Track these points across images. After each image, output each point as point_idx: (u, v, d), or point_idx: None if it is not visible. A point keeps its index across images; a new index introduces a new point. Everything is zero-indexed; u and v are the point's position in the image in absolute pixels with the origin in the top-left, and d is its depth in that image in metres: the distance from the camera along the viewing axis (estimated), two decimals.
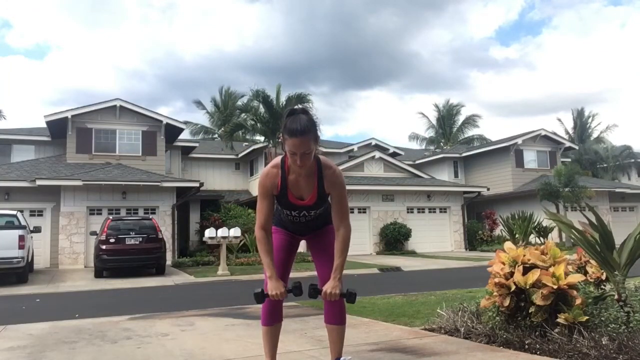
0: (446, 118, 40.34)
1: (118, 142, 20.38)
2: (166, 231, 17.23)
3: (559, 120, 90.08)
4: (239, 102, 30.98)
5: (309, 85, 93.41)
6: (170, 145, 22.41)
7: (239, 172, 26.83)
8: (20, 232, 11.78)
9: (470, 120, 40.01)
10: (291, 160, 2.76)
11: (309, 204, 2.93)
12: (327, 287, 2.79)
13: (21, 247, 11.57)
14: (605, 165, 34.07)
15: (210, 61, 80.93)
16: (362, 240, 20.99)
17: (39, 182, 16.48)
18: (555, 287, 3.60)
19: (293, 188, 2.90)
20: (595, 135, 39.67)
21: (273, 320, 3.02)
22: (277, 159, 2.93)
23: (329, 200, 3.06)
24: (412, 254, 20.52)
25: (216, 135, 38.01)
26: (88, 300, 9.33)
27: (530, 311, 3.68)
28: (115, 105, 20.25)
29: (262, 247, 2.87)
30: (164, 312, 6.59)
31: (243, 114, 21.37)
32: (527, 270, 3.80)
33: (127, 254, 13.31)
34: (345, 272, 3.02)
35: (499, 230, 21.61)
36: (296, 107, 2.90)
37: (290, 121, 2.70)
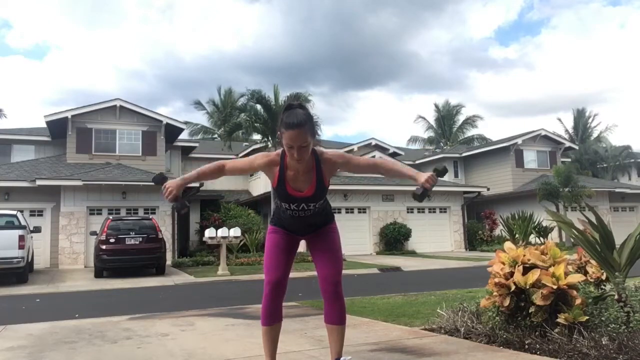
0: (446, 118, 40.37)
1: (118, 142, 20.38)
2: (166, 231, 17.23)
3: (559, 119, 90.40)
4: (238, 103, 30.98)
5: (308, 85, 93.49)
6: (170, 145, 22.41)
7: None
8: (20, 232, 11.79)
9: (470, 121, 40.05)
10: (289, 154, 2.77)
11: (307, 195, 2.92)
12: (422, 179, 2.79)
13: (21, 247, 11.58)
14: (605, 165, 34.09)
15: (210, 61, 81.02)
16: (362, 240, 21.00)
17: (39, 182, 16.48)
18: (555, 287, 3.60)
19: (291, 179, 2.90)
20: (595, 135, 39.69)
21: (273, 320, 3.02)
22: (279, 152, 2.94)
23: (326, 198, 3.07)
24: (412, 254, 20.53)
25: (216, 136, 38.01)
26: (88, 300, 9.33)
27: (530, 311, 3.68)
28: (115, 105, 20.25)
29: (204, 168, 2.95)
30: (164, 312, 6.58)
31: (242, 114, 21.34)
32: (527, 270, 3.79)
33: (127, 254, 13.31)
34: (345, 272, 3.03)
35: (499, 230, 21.62)
36: (293, 102, 2.91)
37: (287, 115, 2.74)
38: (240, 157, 26.00)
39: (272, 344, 3.05)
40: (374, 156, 23.18)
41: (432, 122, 41.17)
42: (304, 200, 2.93)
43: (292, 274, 3.19)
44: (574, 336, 3.40)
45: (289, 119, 2.70)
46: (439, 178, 2.84)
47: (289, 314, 5.60)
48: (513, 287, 3.76)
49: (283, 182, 2.89)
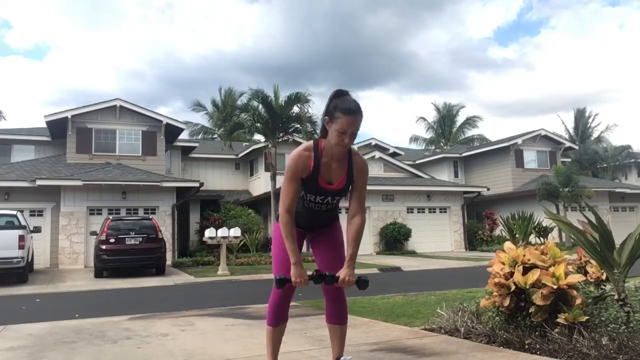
0: (446, 118, 40.40)
1: (118, 142, 20.38)
2: (166, 231, 17.23)
3: (559, 117, 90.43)
4: (239, 102, 30.96)
5: (308, 85, 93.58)
6: (170, 145, 22.41)
7: (239, 172, 26.83)
8: (20, 232, 11.78)
9: (470, 121, 40.08)
10: (338, 139, 2.75)
11: (337, 189, 2.92)
12: (343, 275, 2.80)
13: (21, 247, 11.57)
14: (605, 165, 34.09)
15: (209, 61, 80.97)
16: (362, 240, 20.95)
17: (39, 182, 16.48)
18: (555, 287, 3.60)
19: (324, 171, 2.87)
20: (595, 135, 39.68)
21: (279, 321, 3.00)
22: (309, 143, 2.90)
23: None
24: (412, 254, 20.52)
25: (216, 136, 37.99)
26: (88, 300, 9.33)
27: (530, 311, 3.68)
28: (115, 105, 20.25)
29: (287, 231, 2.81)
30: (164, 312, 6.59)
31: (243, 114, 21.33)
32: (527, 270, 3.79)
33: (127, 254, 13.31)
34: None
35: (499, 230, 21.62)
36: (341, 89, 2.88)
37: (342, 101, 2.75)
38: (241, 157, 26.01)
39: (276, 344, 3.03)
40: (373, 156, 23.18)
41: (432, 123, 41.20)
42: (332, 193, 2.93)
43: None
44: (574, 336, 3.40)
45: (347, 105, 2.73)
46: (358, 286, 2.85)
47: (289, 314, 5.60)
48: (513, 287, 3.76)
49: (317, 173, 2.85)
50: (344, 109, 2.72)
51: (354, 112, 2.72)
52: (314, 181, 2.87)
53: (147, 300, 9.02)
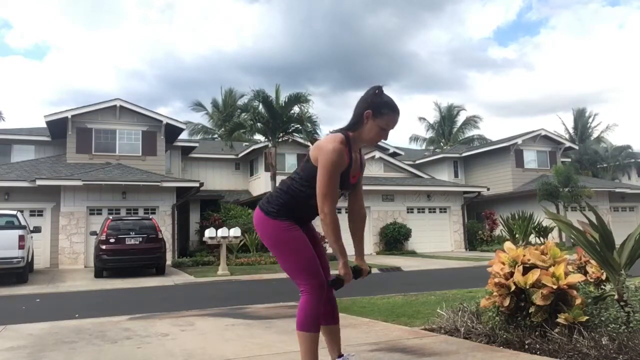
0: (446, 118, 40.42)
1: (118, 142, 20.38)
2: (166, 231, 17.23)
3: (559, 117, 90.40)
4: (239, 102, 30.98)
5: (308, 86, 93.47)
6: (170, 145, 22.41)
7: (239, 172, 26.82)
8: (20, 232, 11.78)
9: (471, 121, 40.09)
10: (378, 135, 2.78)
11: (354, 182, 2.94)
12: (365, 267, 2.97)
13: (21, 247, 11.58)
14: (605, 165, 34.09)
15: (209, 61, 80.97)
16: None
17: (39, 182, 16.48)
18: (555, 287, 3.60)
19: (353, 166, 2.86)
20: (595, 135, 39.69)
21: (319, 324, 2.82)
22: (341, 136, 2.75)
23: None
24: (412, 254, 20.52)
25: (216, 136, 37.99)
26: (88, 300, 9.33)
27: (530, 311, 3.67)
28: (115, 105, 20.25)
29: (338, 230, 2.68)
30: (164, 312, 6.58)
31: (243, 114, 21.35)
32: (527, 270, 3.79)
33: (127, 254, 13.31)
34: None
35: (499, 230, 21.62)
36: (381, 86, 2.82)
37: (387, 98, 2.77)
38: (241, 157, 25.99)
39: (317, 354, 2.81)
40: (373, 156, 23.17)
41: (433, 123, 41.22)
42: (351, 187, 2.94)
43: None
44: (574, 336, 3.40)
45: (394, 104, 2.77)
46: (354, 277, 2.89)
47: (288, 313, 5.61)
48: (513, 287, 3.76)
49: (349, 167, 2.80)
50: (393, 106, 2.75)
51: (399, 111, 2.79)
52: (347, 175, 2.81)
53: (147, 300, 9.02)
